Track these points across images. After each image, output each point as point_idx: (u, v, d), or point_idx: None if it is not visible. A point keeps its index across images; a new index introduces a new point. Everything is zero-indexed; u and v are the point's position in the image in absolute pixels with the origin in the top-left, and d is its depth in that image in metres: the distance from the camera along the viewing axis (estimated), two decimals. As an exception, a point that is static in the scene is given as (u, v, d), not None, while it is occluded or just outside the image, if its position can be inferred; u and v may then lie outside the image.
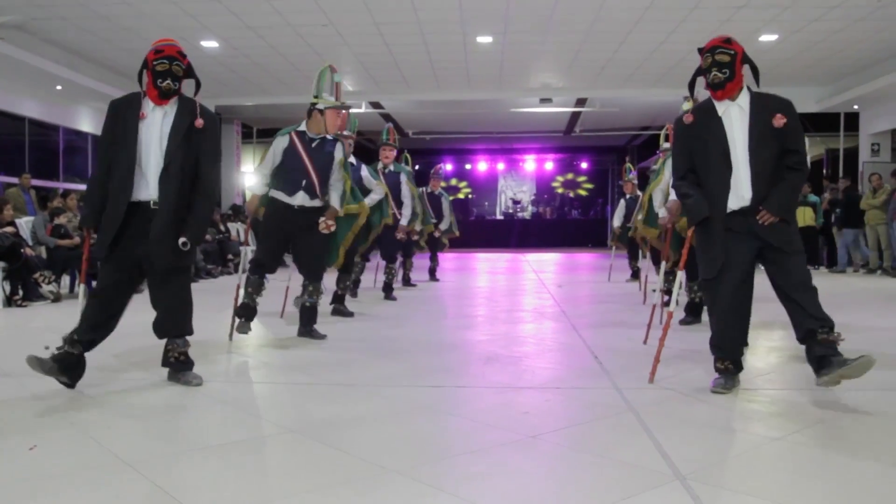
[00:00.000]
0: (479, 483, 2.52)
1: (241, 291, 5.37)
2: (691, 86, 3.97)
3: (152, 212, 3.74)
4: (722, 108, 3.76)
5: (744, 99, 3.74)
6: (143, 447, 2.94)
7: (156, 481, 2.52)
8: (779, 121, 3.65)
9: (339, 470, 2.64)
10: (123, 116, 3.79)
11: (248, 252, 6.94)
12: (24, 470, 2.65)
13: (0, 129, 12.67)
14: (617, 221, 10.91)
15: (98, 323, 3.78)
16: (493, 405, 3.62)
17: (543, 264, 15.52)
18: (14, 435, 3.05)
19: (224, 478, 2.63)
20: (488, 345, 5.42)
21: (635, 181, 10.83)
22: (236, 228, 13.27)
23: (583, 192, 25.46)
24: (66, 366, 3.68)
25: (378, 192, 7.12)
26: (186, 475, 2.62)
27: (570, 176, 25.39)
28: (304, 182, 5.21)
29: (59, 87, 12.91)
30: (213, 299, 7.97)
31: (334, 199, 5.34)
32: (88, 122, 14.85)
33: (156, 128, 3.78)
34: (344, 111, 5.68)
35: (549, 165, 25.20)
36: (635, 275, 10.56)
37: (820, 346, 3.54)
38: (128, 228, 3.73)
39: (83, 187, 13.17)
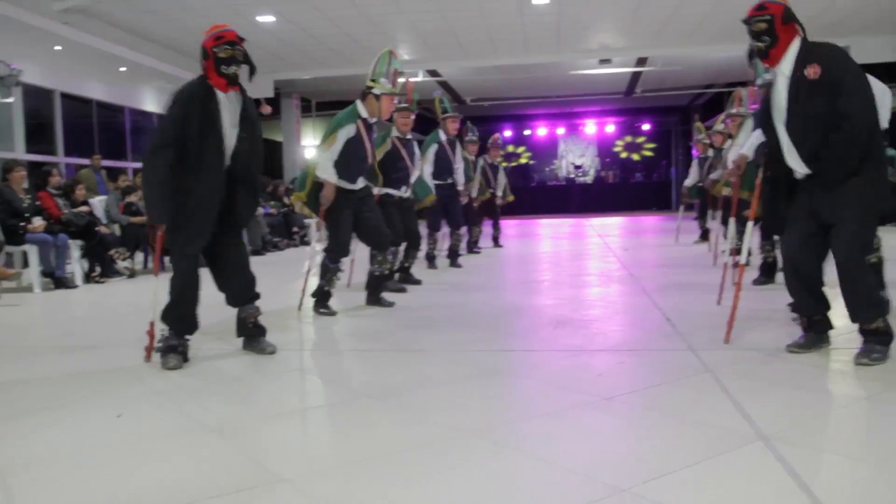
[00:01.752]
0: (557, 444, 2.51)
1: (309, 263, 5.43)
2: (749, 57, 3.76)
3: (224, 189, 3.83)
4: (772, 75, 3.59)
5: (787, 62, 3.46)
6: (224, 413, 3.02)
7: (239, 446, 2.58)
8: (812, 72, 3.34)
9: (417, 433, 2.66)
10: (195, 105, 3.71)
11: (314, 226, 7.01)
12: (113, 436, 2.74)
13: (70, 112, 13.03)
14: (689, 182, 10.66)
15: (189, 314, 3.87)
16: (566, 368, 3.59)
17: (607, 228, 15.33)
18: (101, 403, 3.16)
19: (304, 442, 2.68)
20: (556, 309, 5.38)
21: (706, 140, 10.55)
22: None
23: (647, 153, 24.96)
24: (181, 352, 3.80)
25: (419, 169, 7.13)
26: (268, 440, 2.67)
27: (631, 138, 24.90)
28: (366, 168, 5.31)
29: (123, 69, 13.19)
30: (280, 271, 8.10)
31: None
32: (152, 102, 15.18)
33: (228, 114, 3.79)
34: (409, 84, 5.67)
35: (611, 128, 24.75)
36: (704, 236, 10.33)
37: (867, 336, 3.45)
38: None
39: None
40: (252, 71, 3.87)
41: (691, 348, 3.84)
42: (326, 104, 19.56)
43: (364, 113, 5.23)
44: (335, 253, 5.31)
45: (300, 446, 2.64)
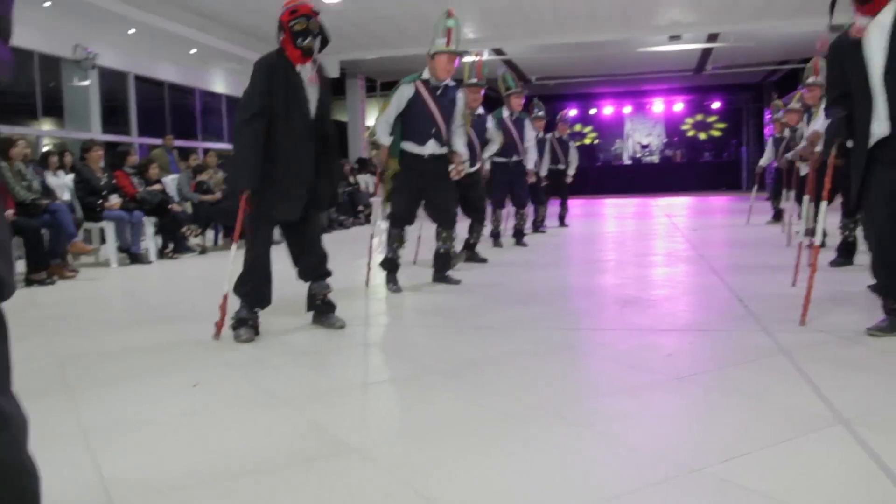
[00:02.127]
0: (627, 422, 2.47)
1: (376, 241, 5.46)
2: (832, 6, 3.57)
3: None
4: (864, 26, 3.35)
5: (887, 13, 3.26)
6: (295, 385, 3.07)
7: (311, 416, 2.62)
8: None
9: (485, 408, 2.66)
10: (279, 75, 3.77)
11: (378, 203, 7.05)
12: (189, 405, 2.82)
13: (143, 94, 13.37)
14: (764, 162, 10.35)
15: (264, 285, 3.93)
16: (635, 347, 3.54)
17: (674, 208, 15.04)
18: (177, 374, 3.25)
19: (374, 415, 2.70)
20: (623, 288, 5.31)
21: (784, 119, 10.22)
22: (364, 180, 13.53)
23: (715, 133, 24.35)
24: (252, 326, 3.85)
25: (497, 142, 7.06)
26: (339, 411, 2.71)
27: (700, 117, 24.30)
28: (433, 130, 5.20)
29: (193, 51, 13.47)
30: (347, 249, 8.18)
31: (459, 146, 5.31)
32: (221, 83, 15.46)
33: (313, 91, 3.84)
34: (478, 61, 5.61)
35: (679, 106, 24.19)
36: (777, 216, 10.04)
37: None
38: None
39: (220, 146, 13.80)
40: (324, 43, 3.91)
41: (765, 329, 3.74)
42: (391, 84, 19.60)
43: (426, 75, 5.25)
44: (395, 218, 5.36)
45: (368, 418, 2.67)
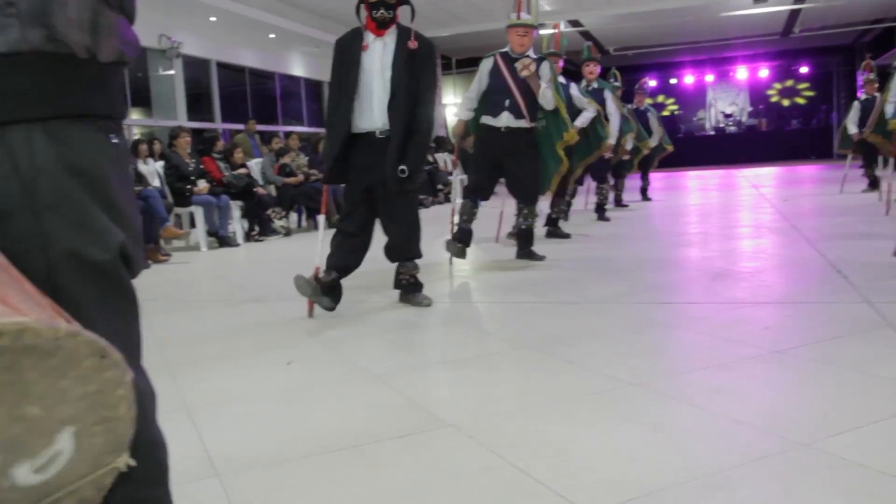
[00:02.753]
0: (727, 396, 2.41)
1: (456, 217, 5.46)
2: None
3: (378, 141, 3.85)
4: None
5: None
6: (387, 362, 3.10)
7: (403, 392, 2.64)
8: None
9: (578, 382, 2.63)
10: (348, 50, 3.88)
11: (457, 179, 7.06)
12: (285, 382, 2.88)
13: (225, 80, 13.68)
14: (852, 127, 9.88)
15: (348, 252, 3.98)
16: (730, 320, 3.44)
17: (761, 179, 14.55)
18: (271, 352, 3.33)
19: (468, 390, 2.71)
20: (713, 261, 5.17)
21: (876, 82, 9.73)
22: (443, 159, 13.55)
23: (802, 101, 23.39)
24: (327, 289, 3.91)
25: (590, 110, 6.90)
26: (430, 387, 2.73)
27: (788, 83, 23.36)
28: (507, 102, 5.15)
29: (272, 36, 13.68)
30: (427, 227, 8.18)
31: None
32: (300, 67, 15.69)
33: (377, 58, 3.85)
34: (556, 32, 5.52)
35: (764, 73, 23.30)
36: (873, 184, 9.60)
37: None
38: (356, 159, 3.88)
39: (300, 129, 14.02)
40: (412, 13, 3.96)
41: (867, 301, 3.58)
42: (466, 61, 19.54)
43: (506, 48, 5.24)
44: (469, 189, 5.40)
45: (462, 393, 2.68)
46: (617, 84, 9.10)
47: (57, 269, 0.88)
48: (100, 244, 0.92)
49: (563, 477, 1.86)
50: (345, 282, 4.07)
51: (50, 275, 0.84)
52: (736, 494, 1.73)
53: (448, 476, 1.92)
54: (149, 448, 1.00)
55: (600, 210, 8.33)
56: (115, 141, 0.99)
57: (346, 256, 3.95)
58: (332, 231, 4.09)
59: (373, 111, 3.85)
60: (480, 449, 2.08)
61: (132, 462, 0.76)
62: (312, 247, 4.19)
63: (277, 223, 8.78)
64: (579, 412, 2.34)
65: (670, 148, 10.85)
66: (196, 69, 12.93)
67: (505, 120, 5.16)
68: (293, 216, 9.65)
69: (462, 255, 5.32)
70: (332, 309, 3.92)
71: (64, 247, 0.89)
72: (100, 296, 0.92)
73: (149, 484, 1.01)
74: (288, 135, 10.28)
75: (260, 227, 8.55)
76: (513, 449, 2.05)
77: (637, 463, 1.93)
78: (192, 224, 8.01)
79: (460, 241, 5.35)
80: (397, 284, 4.18)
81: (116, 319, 0.93)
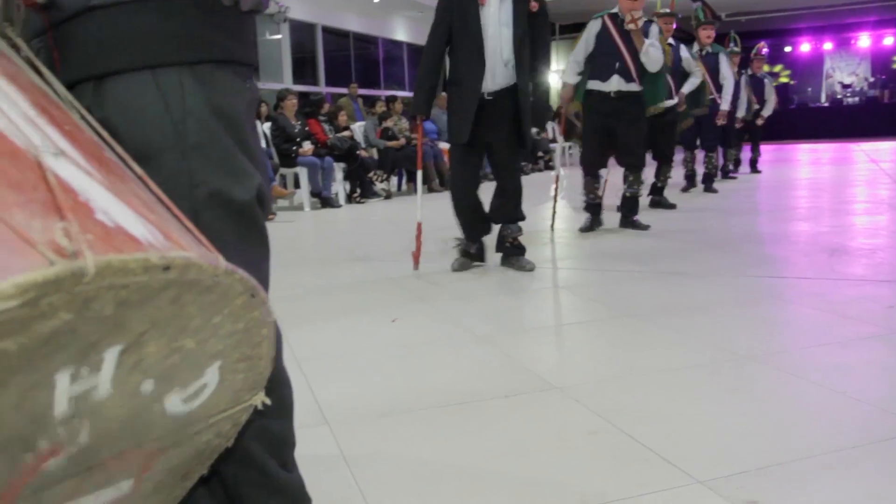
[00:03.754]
0: (847, 374, 2.29)
1: (555, 186, 5.41)
2: None
3: (487, 101, 3.82)
4: None
5: None
6: (491, 324, 3.10)
7: (507, 353, 2.64)
8: None
9: (687, 353, 2.56)
10: (460, 6, 3.82)
11: (560, 147, 6.96)
12: (391, 338, 2.92)
13: (329, 45, 13.86)
14: None
15: (479, 221, 4.02)
16: (849, 298, 3.27)
17: (881, 154, 13.74)
18: (377, 309, 3.38)
19: (574, 355, 2.68)
20: (828, 236, 4.93)
21: None
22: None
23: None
24: (475, 256, 4.08)
25: (697, 75, 6.66)
26: (534, 350, 2.71)
27: (916, 50, 21.89)
28: (617, 64, 5.02)
29: (376, 0, 13.74)
30: (529, 194, 8.14)
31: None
32: (403, 32, 15.73)
33: (494, 16, 3.80)
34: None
35: (889, 40, 21.86)
36: None
37: None
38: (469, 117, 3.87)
39: (402, 94, 14.10)
40: None
41: None
42: (570, 27, 19.14)
43: (615, 9, 5.10)
44: (586, 164, 5.37)
45: (567, 357, 2.65)
46: (736, 49, 8.71)
47: (202, 208, 0.90)
48: (240, 185, 0.95)
49: (673, 445, 1.82)
50: (444, 245, 4.13)
51: (195, 213, 0.87)
52: (849, 474, 1.66)
53: (555, 437, 1.91)
54: (278, 385, 1.03)
55: (708, 180, 8.06)
56: (249, 86, 1.01)
57: (480, 220, 4.05)
58: (431, 193, 4.13)
59: (488, 69, 3.81)
60: (587, 412, 2.05)
61: (267, 400, 0.78)
62: (414, 209, 4.23)
63: (378, 186, 8.89)
64: (689, 382, 2.28)
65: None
66: (302, 34, 13.14)
67: (615, 84, 5.03)
68: (394, 179, 9.75)
69: (592, 228, 5.32)
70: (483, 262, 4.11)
71: (209, 187, 0.92)
72: (238, 236, 0.95)
73: (276, 417, 1.04)
74: (391, 99, 10.35)
75: (361, 189, 8.68)
76: (620, 415, 2.02)
77: (749, 437, 1.86)
78: (297, 184, 8.19)
79: (592, 213, 5.38)
80: (500, 247, 4.16)
81: (251, 259, 0.95)
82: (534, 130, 3.81)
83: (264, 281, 1.03)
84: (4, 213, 0.47)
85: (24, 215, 0.48)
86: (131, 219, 0.55)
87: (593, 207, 5.40)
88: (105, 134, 0.65)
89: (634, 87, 5.03)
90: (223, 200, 0.93)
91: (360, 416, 2.12)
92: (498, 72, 3.80)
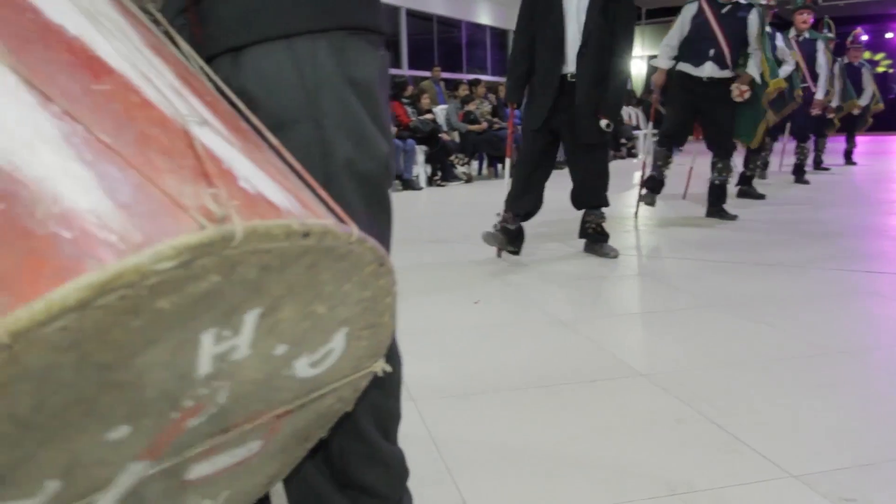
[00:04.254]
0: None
1: (640, 174, 5.33)
2: None
3: (569, 85, 3.79)
4: None
5: None
6: (572, 309, 3.09)
7: (591, 338, 2.62)
8: None
9: (776, 345, 2.49)
10: None
11: (647, 134, 6.84)
12: (473, 320, 2.94)
13: (412, 28, 13.91)
14: None
15: (527, 194, 3.98)
16: (953, 296, 3.13)
17: None
18: (458, 290, 3.41)
19: (655, 342, 2.65)
20: (931, 232, 4.72)
21: None
22: (628, 112, 13.16)
23: None
24: (511, 237, 3.97)
25: (790, 63, 6.44)
26: (619, 336, 2.69)
27: None
28: (712, 51, 4.89)
29: (462, -17, 13.73)
30: (610, 181, 8.05)
31: (751, 68, 4.92)
32: (487, 16, 15.66)
33: (575, 2, 3.77)
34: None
35: None
36: None
37: None
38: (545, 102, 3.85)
39: (485, 77, 14.06)
40: None
41: None
42: (657, 11, 18.73)
43: None
44: (663, 135, 5.25)
45: (652, 345, 2.62)
46: (830, 35, 8.37)
47: (334, 177, 0.91)
48: (371, 155, 0.95)
49: (764, 438, 1.78)
50: (529, 230, 4.10)
51: (327, 183, 0.87)
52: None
53: (641, 424, 1.89)
54: (390, 357, 1.05)
55: (799, 171, 7.79)
56: (381, 54, 1.01)
57: (527, 202, 3.96)
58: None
59: (567, 56, 3.79)
60: (674, 401, 2.03)
61: (388, 368, 0.80)
62: (494, 194, 4.24)
63: (459, 169, 8.92)
64: (780, 375, 2.22)
65: (881, 106, 9.90)
66: (386, 16, 13.22)
67: (708, 70, 4.91)
68: (474, 163, 9.75)
69: (651, 201, 5.24)
70: (517, 253, 3.96)
71: (341, 156, 0.92)
72: (366, 205, 0.96)
73: (385, 390, 1.06)
74: (474, 82, 10.33)
75: (442, 171, 8.71)
76: (709, 404, 1.99)
77: (845, 433, 1.81)
78: (379, 166, 8.26)
79: (651, 188, 5.26)
80: (582, 233, 4.13)
81: (377, 229, 0.97)
82: (603, 122, 3.74)
83: (388, 251, 1.05)
84: (157, 179, 0.50)
85: (176, 181, 0.51)
86: (270, 187, 0.58)
87: (655, 182, 5.27)
88: (241, 104, 0.68)
89: (728, 73, 4.90)
90: (354, 170, 0.94)
91: (445, 394, 2.14)
92: (570, 57, 3.78)
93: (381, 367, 0.79)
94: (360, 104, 0.94)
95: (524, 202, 3.95)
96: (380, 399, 1.06)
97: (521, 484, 1.61)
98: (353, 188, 0.94)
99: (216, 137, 0.59)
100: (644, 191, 5.29)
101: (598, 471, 1.65)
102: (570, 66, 3.80)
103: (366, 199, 0.96)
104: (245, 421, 0.67)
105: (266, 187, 0.57)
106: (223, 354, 0.55)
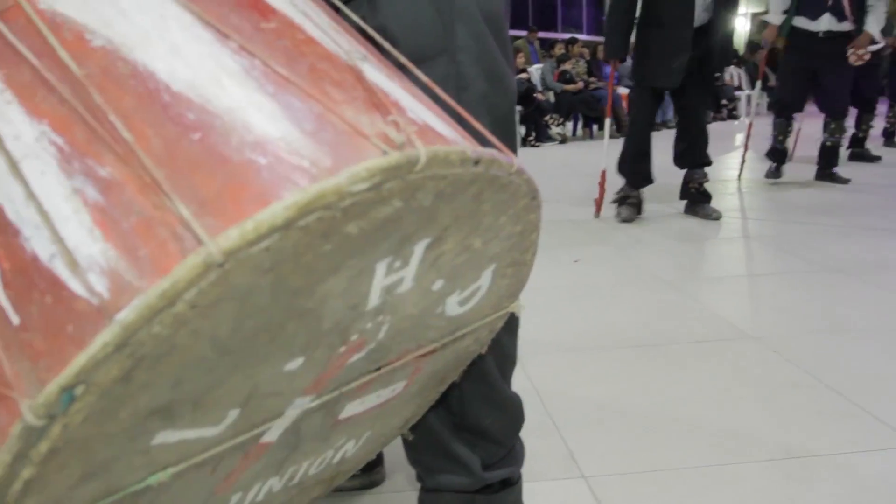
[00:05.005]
0: None
1: (744, 136, 5.15)
2: None
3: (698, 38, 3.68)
4: None
5: None
6: (679, 270, 3.03)
7: (697, 300, 2.57)
8: None
9: (891, 314, 2.38)
10: None
11: (755, 95, 6.56)
12: (574, 277, 2.92)
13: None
14: None
15: (646, 158, 3.90)
16: None
17: None
18: (559, 249, 3.38)
19: (765, 304, 2.58)
20: None
21: None
22: (730, 72, 12.66)
23: None
24: (633, 204, 3.94)
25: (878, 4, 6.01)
26: (726, 298, 2.63)
27: None
28: (830, 1, 4.60)
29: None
30: (711, 142, 7.80)
31: (870, 23, 4.62)
32: (584, -28, 15.28)
33: None
34: None
35: None
36: None
37: None
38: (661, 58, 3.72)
39: (581, 36, 13.77)
40: None
41: None
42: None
43: None
44: (779, 105, 5.08)
45: (761, 308, 2.54)
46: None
47: (469, 112, 0.91)
48: (503, 89, 0.95)
49: (882, 402, 1.72)
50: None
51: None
52: None
53: (753, 387, 1.85)
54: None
55: (889, 136, 7.30)
56: None
57: (647, 166, 3.91)
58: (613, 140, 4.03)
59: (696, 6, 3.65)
60: (788, 365, 1.97)
61: (524, 306, 0.80)
62: (589, 154, 4.16)
63: (554, 130, 8.80)
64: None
65: None
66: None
67: (825, 23, 4.63)
68: (569, 124, 9.61)
69: (779, 174, 5.11)
70: (631, 220, 3.91)
71: (476, 90, 0.92)
72: (499, 140, 0.95)
73: (507, 332, 1.05)
74: (570, 41, 10.13)
75: (537, 132, 8.62)
76: (825, 370, 1.93)
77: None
78: (473, 126, 8.24)
79: (776, 160, 5.11)
80: (684, 194, 4.03)
81: None
82: (716, 74, 3.60)
83: None
84: (336, 109, 0.51)
85: (353, 111, 0.51)
86: (432, 118, 0.58)
87: (779, 154, 5.10)
88: (385, 42, 0.68)
89: (847, 25, 4.60)
90: (488, 104, 0.93)
91: (549, 350, 2.14)
92: (698, 12, 3.63)
93: (517, 307, 0.79)
94: (492, 38, 0.93)
95: (644, 166, 3.89)
96: (505, 340, 1.06)
97: (628, 440, 1.60)
98: (487, 123, 0.93)
99: (378, 72, 0.60)
100: (772, 165, 5.14)
101: (708, 431, 1.63)
102: (700, 19, 3.66)
103: (500, 134, 0.95)
104: (396, 359, 0.68)
105: (429, 118, 0.57)
106: (390, 287, 0.56)
